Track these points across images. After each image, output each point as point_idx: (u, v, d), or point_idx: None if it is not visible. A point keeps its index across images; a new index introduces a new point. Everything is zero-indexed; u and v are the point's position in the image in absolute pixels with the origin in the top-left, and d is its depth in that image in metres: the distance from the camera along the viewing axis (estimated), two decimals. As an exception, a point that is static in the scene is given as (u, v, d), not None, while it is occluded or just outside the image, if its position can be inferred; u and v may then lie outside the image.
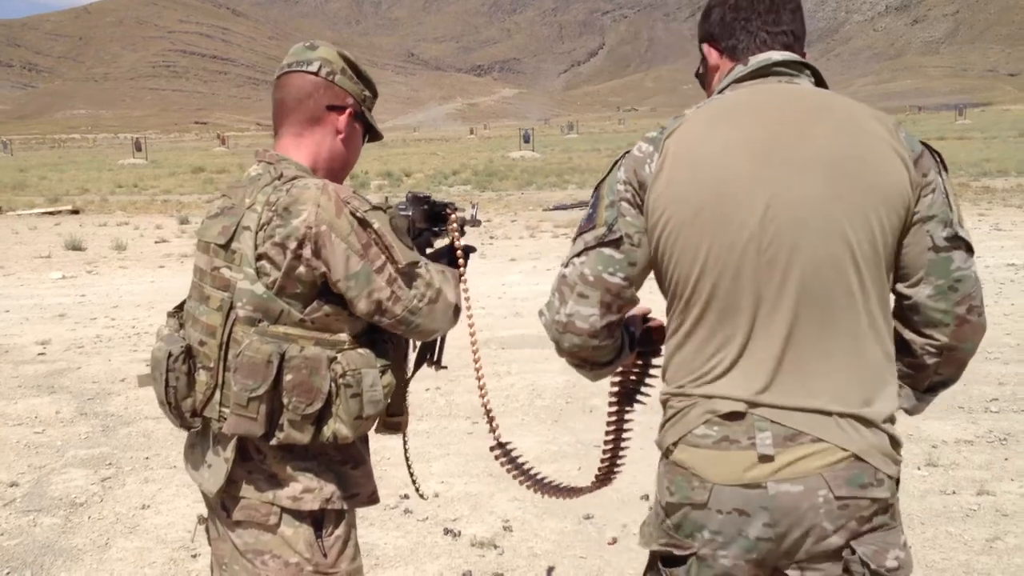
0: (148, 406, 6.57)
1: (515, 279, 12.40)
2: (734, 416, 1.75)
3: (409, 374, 2.43)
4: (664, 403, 1.89)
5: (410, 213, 2.40)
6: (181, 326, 2.29)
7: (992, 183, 22.04)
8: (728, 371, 1.78)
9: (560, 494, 2.68)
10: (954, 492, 4.85)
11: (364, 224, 2.06)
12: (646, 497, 4.81)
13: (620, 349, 2.04)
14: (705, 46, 2.00)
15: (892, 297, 1.88)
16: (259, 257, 2.07)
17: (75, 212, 24.90)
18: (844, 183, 1.73)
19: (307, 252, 2.04)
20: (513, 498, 4.90)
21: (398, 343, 2.26)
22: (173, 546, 4.37)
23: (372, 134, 2.41)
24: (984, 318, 1.88)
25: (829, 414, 1.73)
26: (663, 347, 1.97)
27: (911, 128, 61.44)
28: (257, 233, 2.08)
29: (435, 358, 2.59)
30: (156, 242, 17.65)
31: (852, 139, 1.76)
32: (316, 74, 2.23)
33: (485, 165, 39.80)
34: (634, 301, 1.95)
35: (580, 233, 1.91)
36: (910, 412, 2.01)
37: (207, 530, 2.37)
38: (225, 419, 2.11)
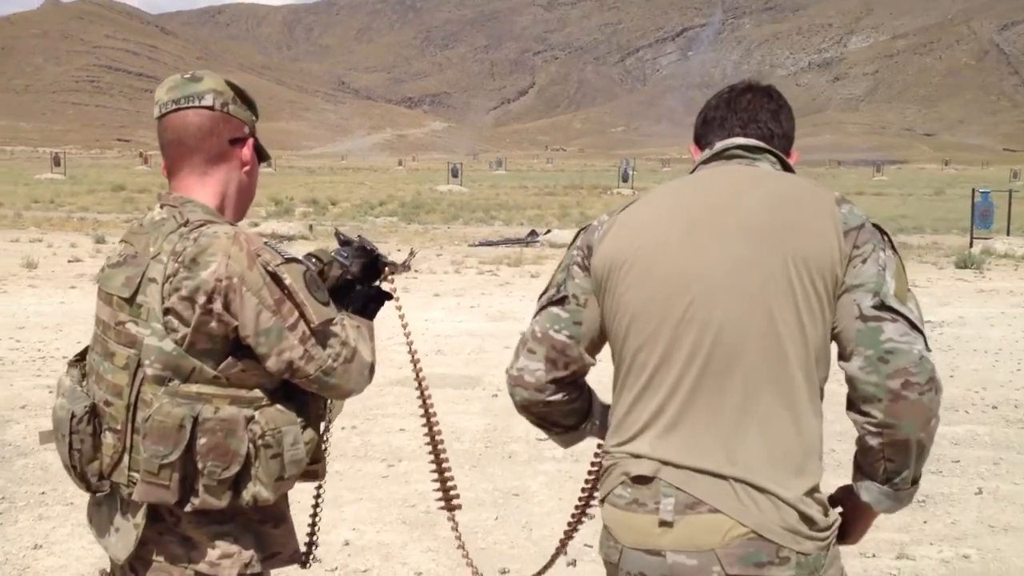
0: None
1: (438, 315, 12.23)
2: (643, 480, 1.78)
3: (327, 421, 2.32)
4: (601, 459, 1.97)
5: (348, 264, 2.26)
6: (84, 376, 2.14)
7: (908, 239, 22.53)
8: (642, 431, 1.82)
9: None
10: (874, 555, 4.82)
11: (276, 279, 1.94)
12: (564, 552, 4.69)
13: (586, 414, 2.10)
14: (691, 146, 2.12)
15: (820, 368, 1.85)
16: (166, 312, 1.93)
17: (-14, 226, 24.13)
18: (763, 249, 1.76)
19: (217, 306, 1.91)
20: (427, 549, 4.75)
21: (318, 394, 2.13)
22: (64, 591, 4.12)
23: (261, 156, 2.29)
24: (928, 399, 1.73)
25: (727, 480, 1.71)
26: None
27: (830, 182, 63.05)
28: (163, 285, 1.94)
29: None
30: (69, 261, 17.14)
31: (778, 208, 1.81)
32: (212, 108, 2.09)
33: (412, 197, 39.65)
34: (581, 361, 1.99)
35: (540, 296, 2.04)
36: (874, 507, 1.89)
37: None
38: (135, 484, 1.96)
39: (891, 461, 1.79)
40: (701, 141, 2.08)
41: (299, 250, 2.33)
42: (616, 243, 1.89)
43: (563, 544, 2.49)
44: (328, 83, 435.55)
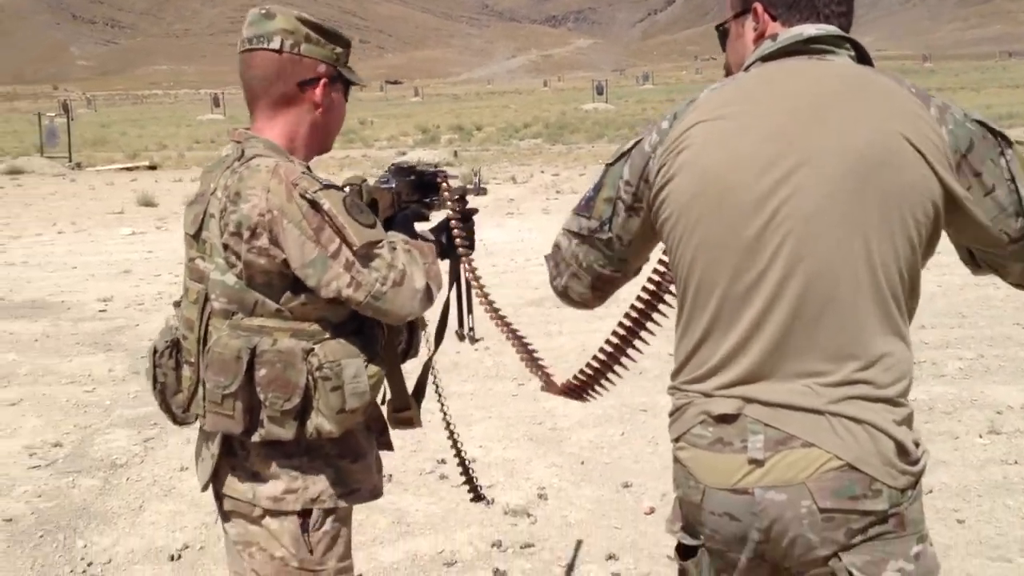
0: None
1: (577, 235, 12.19)
2: (727, 418, 1.66)
3: (429, 351, 2.33)
4: (670, 395, 1.82)
5: (393, 185, 2.27)
6: None
7: (1082, 132, 21.11)
8: (719, 370, 1.68)
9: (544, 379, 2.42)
10: (1016, 462, 4.62)
11: (315, 205, 1.91)
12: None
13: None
14: (759, 7, 1.78)
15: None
16: (224, 247, 1.97)
17: (152, 168, 25.36)
18: (862, 179, 1.57)
19: (263, 241, 1.92)
20: (551, 464, 4.80)
21: (393, 329, 2.14)
22: (206, 510, 4.35)
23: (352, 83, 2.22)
24: None
25: (823, 414, 1.59)
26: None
27: (1000, 75, 59.30)
28: (219, 220, 1.97)
29: (464, 329, 2.45)
30: (225, 198, 17.80)
31: (877, 127, 1.58)
32: (280, 51, 2.04)
33: (557, 118, 39.48)
34: (627, 280, 1.96)
35: (578, 212, 1.88)
36: None
37: None
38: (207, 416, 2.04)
39: None
40: (776, 10, 1.76)
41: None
42: (681, 172, 1.68)
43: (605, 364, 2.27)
44: (472, 7, 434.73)
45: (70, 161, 26.11)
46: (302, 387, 1.95)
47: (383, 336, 2.09)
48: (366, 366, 2.00)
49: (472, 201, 2.44)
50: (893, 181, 1.57)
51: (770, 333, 1.62)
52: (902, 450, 1.61)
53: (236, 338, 1.96)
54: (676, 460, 1.78)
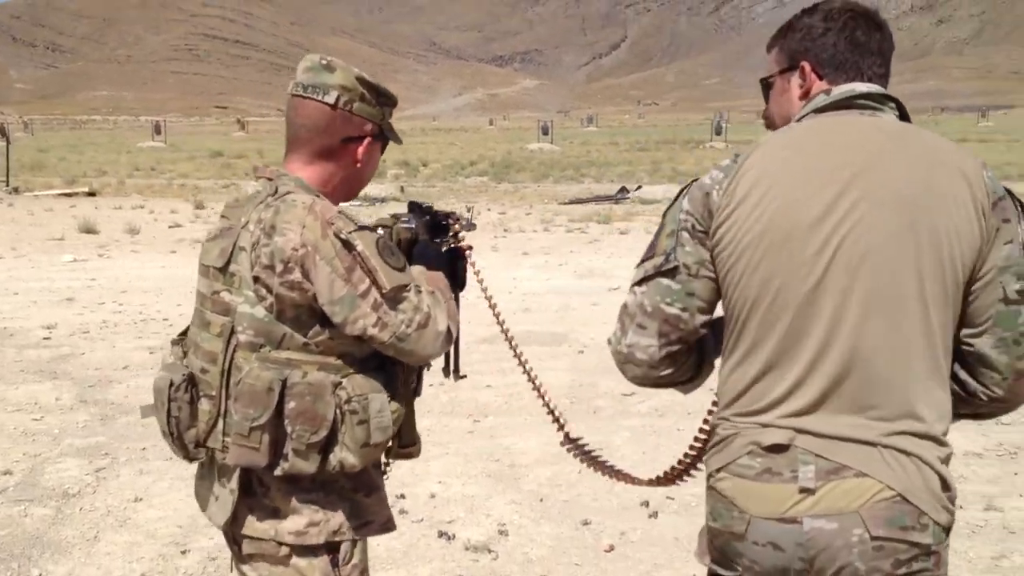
0: (149, 395, 6.48)
1: (526, 274, 12.31)
2: (778, 448, 1.72)
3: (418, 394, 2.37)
4: (713, 428, 1.87)
5: (413, 225, 2.33)
6: (186, 354, 2.19)
7: (1014, 187, 21.67)
8: (776, 404, 1.74)
9: (624, 479, 2.63)
10: (960, 507, 4.74)
11: (348, 246, 1.95)
12: (646, 504, 4.73)
13: (699, 365, 1.98)
14: (807, 65, 1.89)
15: (952, 340, 1.81)
16: (255, 279, 1.99)
17: (91, 194, 24.97)
18: (916, 220, 1.68)
19: (296, 275, 1.95)
20: (511, 501, 4.82)
21: (409, 368, 2.16)
22: (163, 541, 4.30)
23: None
24: None
25: (876, 446, 1.67)
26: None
27: (932, 129, 60.99)
28: (251, 253, 1.99)
29: (450, 367, 2.52)
30: (170, 227, 17.67)
31: (926, 175, 1.71)
32: (334, 107, 2.09)
33: (503, 157, 39.73)
34: (696, 332, 1.87)
35: (642, 261, 1.89)
36: None
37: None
38: (228, 450, 2.03)
39: (982, 416, 1.90)
40: (824, 69, 1.87)
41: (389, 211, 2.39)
42: (744, 209, 1.74)
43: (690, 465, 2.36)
44: (419, 44, 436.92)
45: (7, 185, 25.64)
46: (330, 420, 1.98)
47: (402, 373, 2.12)
48: (389, 401, 2.04)
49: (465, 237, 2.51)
50: (944, 223, 1.68)
51: (828, 367, 1.70)
52: (945, 486, 1.70)
53: (267, 370, 1.98)
54: (713, 490, 1.81)
